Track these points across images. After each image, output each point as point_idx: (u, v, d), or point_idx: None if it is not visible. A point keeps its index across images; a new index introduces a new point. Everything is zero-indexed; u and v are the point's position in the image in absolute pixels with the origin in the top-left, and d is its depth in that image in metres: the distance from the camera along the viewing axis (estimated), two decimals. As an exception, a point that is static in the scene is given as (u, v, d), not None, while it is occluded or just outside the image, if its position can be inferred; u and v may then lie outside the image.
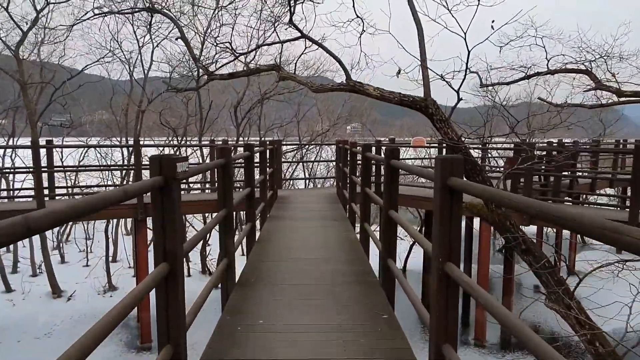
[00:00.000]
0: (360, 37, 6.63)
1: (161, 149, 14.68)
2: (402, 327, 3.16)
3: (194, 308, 2.79)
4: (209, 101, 13.77)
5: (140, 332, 9.63)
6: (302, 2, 6.74)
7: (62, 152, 15.19)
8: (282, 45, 7.60)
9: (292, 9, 6.67)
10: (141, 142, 15.66)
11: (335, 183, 12.26)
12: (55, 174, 12.53)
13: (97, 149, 15.20)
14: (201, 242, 13.62)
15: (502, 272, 10.50)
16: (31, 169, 8.79)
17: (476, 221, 9.95)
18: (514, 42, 7.48)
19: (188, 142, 14.71)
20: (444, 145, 13.38)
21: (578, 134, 22.64)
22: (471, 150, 12.58)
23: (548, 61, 7.72)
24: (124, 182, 13.06)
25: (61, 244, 15.46)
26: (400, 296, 3.55)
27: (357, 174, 7.53)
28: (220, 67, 7.19)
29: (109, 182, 14.74)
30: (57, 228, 15.26)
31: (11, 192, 12.57)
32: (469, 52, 5.84)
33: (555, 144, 12.43)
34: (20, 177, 14.64)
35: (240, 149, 12.82)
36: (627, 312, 4.88)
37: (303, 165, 16.90)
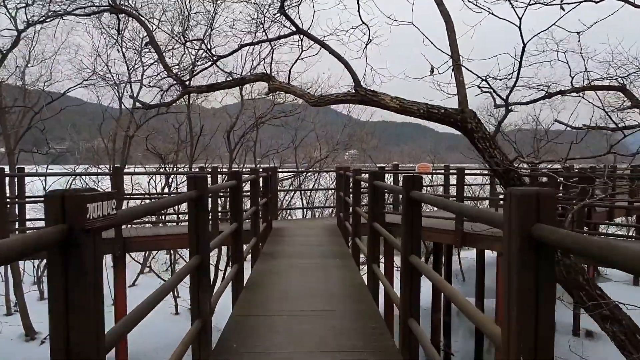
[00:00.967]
0: (365, 47, 5.79)
1: (152, 176, 13.86)
2: None
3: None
4: (200, 125, 13.03)
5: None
6: (299, 4, 5.90)
7: (45, 180, 14.38)
8: (272, 49, 6.58)
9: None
10: (128, 170, 14.87)
11: (335, 213, 11.37)
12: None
13: (83, 177, 14.37)
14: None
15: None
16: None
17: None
18: (533, 58, 6.75)
19: (179, 170, 13.87)
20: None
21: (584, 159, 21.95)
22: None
23: (572, 78, 6.97)
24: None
25: (42, 278, 14.41)
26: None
27: (359, 203, 6.66)
28: (195, 74, 6.25)
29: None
30: (37, 261, 14.31)
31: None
32: (524, 45, 4.76)
33: (577, 170, 11.66)
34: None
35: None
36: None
37: (301, 194, 16.03)
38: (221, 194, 10.12)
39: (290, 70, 5.71)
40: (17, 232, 8.69)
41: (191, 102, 12.88)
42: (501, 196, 8.29)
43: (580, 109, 5.76)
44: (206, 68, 6.29)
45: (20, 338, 11.10)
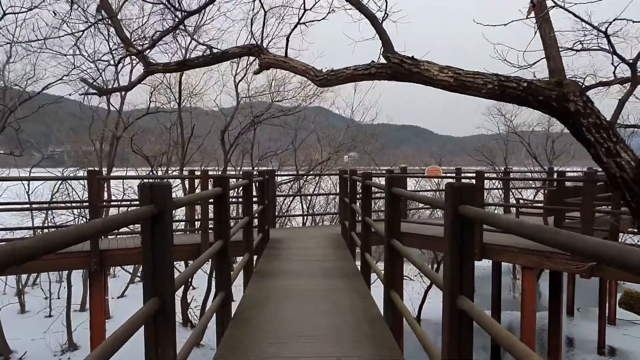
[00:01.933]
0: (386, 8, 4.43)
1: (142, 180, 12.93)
2: None
3: None
4: (192, 125, 12.12)
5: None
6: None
7: (28, 185, 13.46)
8: (265, 12, 5.18)
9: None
10: (114, 173, 13.93)
11: (338, 220, 10.44)
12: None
13: (69, 182, 13.46)
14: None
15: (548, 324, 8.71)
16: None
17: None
18: (571, 45, 5.84)
19: (170, 173, 12.93)
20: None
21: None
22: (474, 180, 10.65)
23: (615, 68, 6.05)
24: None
25: (22, 290, 13.48)
26: None
27: (369, 212, 5.74)
28: (157, 40, 4.96)
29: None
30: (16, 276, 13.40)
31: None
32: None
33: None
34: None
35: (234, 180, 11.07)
36: None
37: (301, 199, 15.08)
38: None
39: (288, 39, 4.57)
40: None
41: (183, 100, 11.99)
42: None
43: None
44: (170, 31, 4.96)
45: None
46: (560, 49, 3.70)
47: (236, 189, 10.30)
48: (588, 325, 12.10)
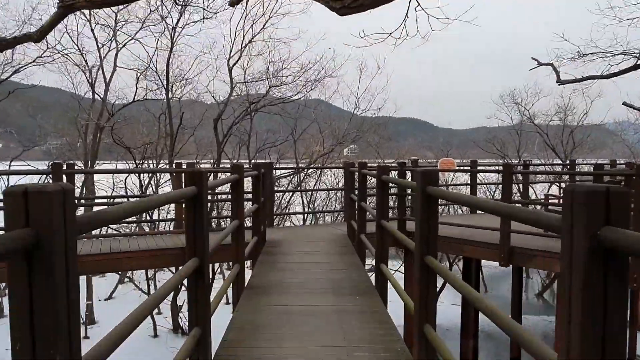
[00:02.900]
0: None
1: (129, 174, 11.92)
2: None
3: None
4: (180, 113, 11.08)
5: None
6: None
7: (8, 180, 12.48)
8: None
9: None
10: (103, 166, 12.93)
11: (344, 218, 9.46)
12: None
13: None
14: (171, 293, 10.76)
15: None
16: None
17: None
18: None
19: (160, 166, 11.91)
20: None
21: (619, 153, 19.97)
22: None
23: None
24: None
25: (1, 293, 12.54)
26: None
27: (386, 215, 4.75)
28: None
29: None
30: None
31: None
32: None
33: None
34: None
35: (231, 174, 9.94)
36: None
37: (301, 195, 14.05)
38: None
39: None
40: None
41: (171, 87, 10.94)
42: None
43: None
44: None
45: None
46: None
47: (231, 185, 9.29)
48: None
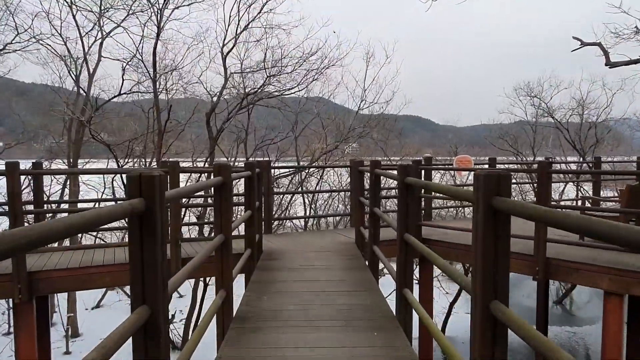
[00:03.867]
0: None
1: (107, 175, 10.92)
2: None
3: None
4: (168, 106, 10.08)
5: None
6: None
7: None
8: None
9: None
10: (93, 165, 11.99)
11: (351, 223, 8.50)
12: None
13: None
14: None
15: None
16: None
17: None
18: None
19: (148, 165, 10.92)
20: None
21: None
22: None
23: None
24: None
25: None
26: None
27: (410, 227, 3.78)
28: None
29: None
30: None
31: None
32: None
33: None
34: None
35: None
36: None
37: (303, 197, 13.04)
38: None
39: None
40: None
41: (161, 79, 9.94)
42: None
43: None
44: None
45: None
46: None
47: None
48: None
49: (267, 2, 9.65)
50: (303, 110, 12.41)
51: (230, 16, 10.23)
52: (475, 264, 1.86)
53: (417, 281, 12.98)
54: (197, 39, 10.46)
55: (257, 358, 2.92)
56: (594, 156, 12.02)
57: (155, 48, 9.47)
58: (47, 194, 11.09)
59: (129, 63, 10.03)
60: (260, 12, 10.01)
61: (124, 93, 10.17)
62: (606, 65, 6.72)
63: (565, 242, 5.87)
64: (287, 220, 13.19)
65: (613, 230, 1.24)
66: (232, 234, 3.79)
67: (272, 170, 11.55)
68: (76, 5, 9.73)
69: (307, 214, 13.75)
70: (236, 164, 13.11)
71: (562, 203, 11.16)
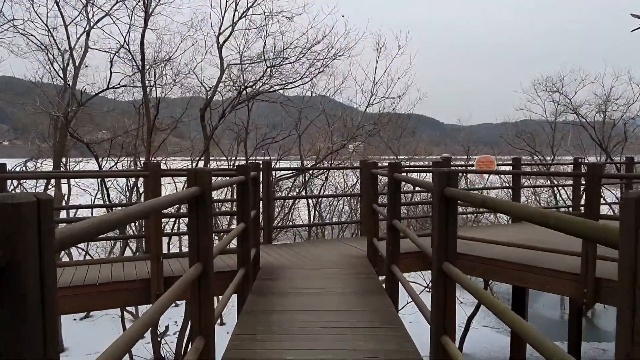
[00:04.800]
0: None
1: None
2: None
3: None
4: (156, 100, 9.18)
5: None
6: None
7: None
8: None
9: None
10: (70, 167, 11.13)
11: (360, 231, 7.60)
12: None
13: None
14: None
15: None
16: None
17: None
18: None
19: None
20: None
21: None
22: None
23: None
24: None
25: None
26: None
27: (452, 253, 2.88)
28: None
29: None
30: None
31: None
32: None
33: None
34: None
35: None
36: None
37: (307, 202, 12.08)
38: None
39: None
40: None
41: (150, 71, 9.03)
42: None
43: None
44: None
45: None
46: None
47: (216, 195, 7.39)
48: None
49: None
50: (307, 105, 11.48)
51: (226, 1, 9.32)
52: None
53: (428, 290, 12.05)
54: (191, 26, 9.51)
55: None
56: (623, 156, 11.06)
57: (143, 36, 8.58)
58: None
59: (117, 54, 9.15)
60: (259, -4, 9.10)
61: (112, 87, 9.29)
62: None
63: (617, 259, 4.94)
64: (290, 224, 12.26)
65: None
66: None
67: (274, 172, 10.65)
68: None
69: (312, 217, 12.86)
70: (236, 164, 12.22)
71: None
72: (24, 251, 0.96)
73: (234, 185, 6.48)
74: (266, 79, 9.54)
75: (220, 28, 9.41)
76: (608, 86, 13.84)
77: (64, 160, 11.64)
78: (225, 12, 9.20)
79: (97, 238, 4.53)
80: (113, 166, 9.63)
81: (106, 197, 9.29)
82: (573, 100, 13.63)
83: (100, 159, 8.90)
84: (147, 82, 8.91)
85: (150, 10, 8.44)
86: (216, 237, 8.24)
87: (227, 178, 5.18)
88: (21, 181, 10.33)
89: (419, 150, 17.39)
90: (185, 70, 9.83)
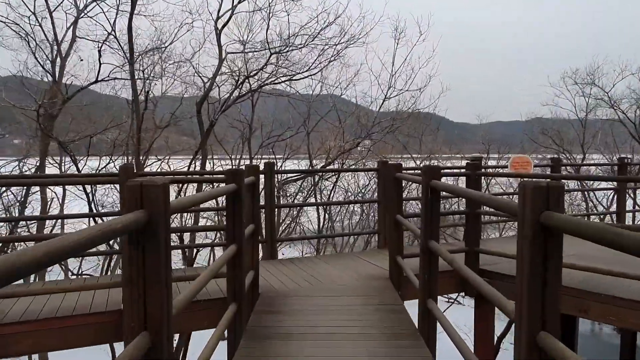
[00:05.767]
0: None
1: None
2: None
3: None
4: (145, 92, 8.18)
5: None
6: None
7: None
8: None
9: None
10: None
11: (378, 243, 6.57)
12: None
13: None
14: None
15: None
16: None
17: None
18: None
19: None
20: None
21: None
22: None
23: None
24: None
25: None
26: None
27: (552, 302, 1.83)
28: None
29: None
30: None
31: None
32: None
33: None
34: None
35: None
36: None
37: (317, 210, 11.02)
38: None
39: None
40: None
41: (137, 58, 7.97)
42: None
43: None
44: None
45: None
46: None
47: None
48: None
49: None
50: (317, 100, 10.43)
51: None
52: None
53: (457, 303, 10.92)
54: (186, 8, 8.51)
55: None
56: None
57: (130, 22, 7.60)
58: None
59: (105, 42, 8.20)
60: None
61: (102, 80, 8.35)
62: None
63: None
64: (297, 227, 11.25)
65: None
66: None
67: (279, 175, 9.65)
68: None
69: (322, 221, 11.86)
70: (241, 164, 11.25)
71: None
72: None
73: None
74: (273, 71, 8.49)
75: (218, 12, 8.42)
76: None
77: (60, 159, 10.79)
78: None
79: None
80: (102, 168, 8.71)
81: (94, 205, 8.32)
82: (612, 92, 12.37)
83: (84, 159, 7.88)
84: (137, 73, 7.94)
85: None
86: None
87: (210, 188, 4.18)
88: None
89: (435, 150, 16.24)
90: (180, 59, 8.84)
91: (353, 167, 10.95)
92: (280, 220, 10.21)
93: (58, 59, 9.03)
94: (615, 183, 9.08)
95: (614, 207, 9.52)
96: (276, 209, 6.77)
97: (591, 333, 11.55)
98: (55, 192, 9.58)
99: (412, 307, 4.09)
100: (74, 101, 8.63)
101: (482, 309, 5.51)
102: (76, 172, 7.51)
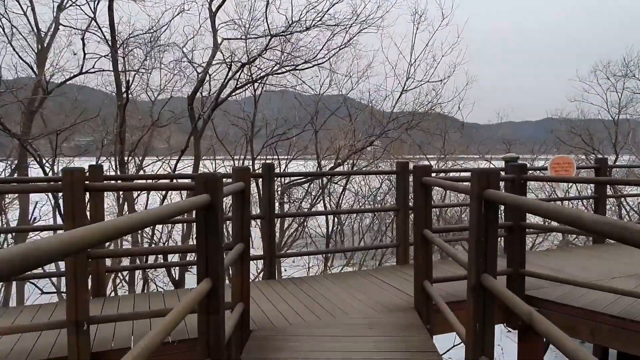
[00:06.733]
0: None
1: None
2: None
3: None
4: (125, 81, 7.24)
5: None
6: None
7: None
8: None
9: None
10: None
11: (399, 256, 5.57)
12: None
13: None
14: None
15: None
16: None
17: None
18: None
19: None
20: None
21: None
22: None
23: None
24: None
25: None
26: None
27: None
28: None
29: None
30: None
31: None
32: None
33: None
34: None
35: None
36: None
37: (327, 218, 9.94)
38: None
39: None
40: None
41: (120, 45, 7.03)
42: None
43: None
44: None
45: None
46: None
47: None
48: None
49: None
50: (326, 94, 9.43)
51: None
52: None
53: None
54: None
55: None
56: None
57: (111, 3, 6.65)
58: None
59: (88, 30, 7.28)
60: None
61: (86, 72, 7.46)
62: None
63: None
64: (302, 237, 10.26)
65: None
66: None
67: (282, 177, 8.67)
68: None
69: (330, 226, 10.87)
70: (244, 165, 10.31)
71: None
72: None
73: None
74: (275, 59, 7.48)
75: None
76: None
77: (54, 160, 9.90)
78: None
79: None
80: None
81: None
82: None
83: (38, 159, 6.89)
84: (122, 64, 7.03)
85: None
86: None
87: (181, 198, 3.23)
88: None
89: (449, 149, 15.12)
90: (168, 44, 7.88)
91: (365, 169, 9.90)
92: (285, 228, 9.25)
93: (38, 48, 8.16)
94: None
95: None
96: (277, 219, 5.81)
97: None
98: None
99: (441, 342, 3.17)
100: (59, 97, 7.76)
101: (527, 343, 4.51)
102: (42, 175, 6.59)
